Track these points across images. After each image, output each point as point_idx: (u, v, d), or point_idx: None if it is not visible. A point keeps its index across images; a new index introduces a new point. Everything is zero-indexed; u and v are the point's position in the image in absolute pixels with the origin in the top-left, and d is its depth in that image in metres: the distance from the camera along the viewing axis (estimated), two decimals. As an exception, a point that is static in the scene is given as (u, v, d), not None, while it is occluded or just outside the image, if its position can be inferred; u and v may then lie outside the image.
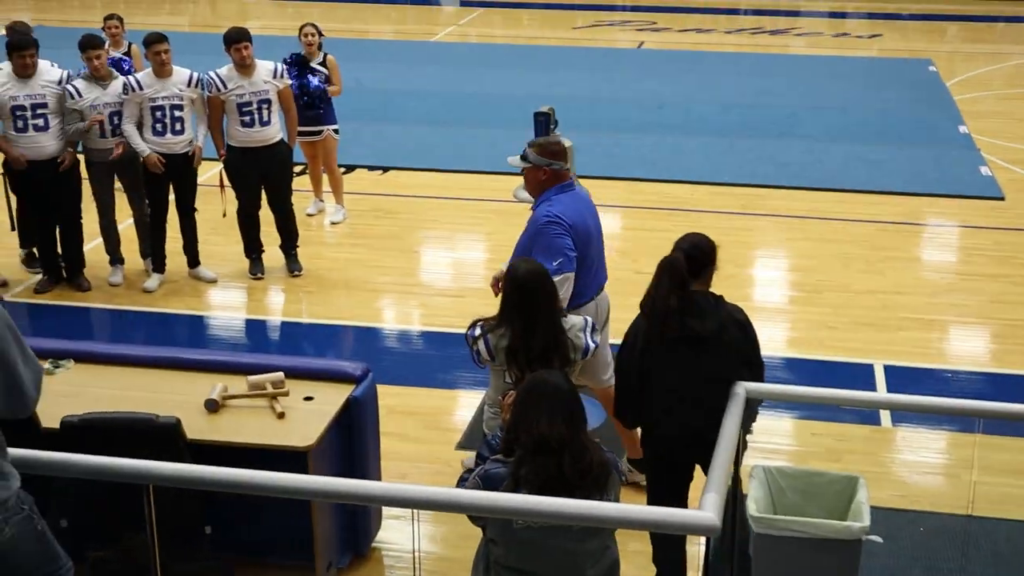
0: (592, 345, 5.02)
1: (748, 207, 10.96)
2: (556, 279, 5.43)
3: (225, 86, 8.70)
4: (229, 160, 8.95)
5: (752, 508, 4.72)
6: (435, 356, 8.10)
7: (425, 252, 10.18)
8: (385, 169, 12.07)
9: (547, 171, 5.80)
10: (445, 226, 10.65)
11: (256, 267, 9.22)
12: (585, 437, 3.97)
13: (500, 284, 5.40)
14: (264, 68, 8.88)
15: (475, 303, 8.77)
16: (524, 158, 5.86)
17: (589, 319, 5.12)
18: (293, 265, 9.24)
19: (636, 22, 21.68)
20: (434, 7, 24.16)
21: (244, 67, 8.73)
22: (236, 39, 8.71)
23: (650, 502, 5.19)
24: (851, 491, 4.88)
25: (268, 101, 8.81)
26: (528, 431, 3.91)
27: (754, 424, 5.06)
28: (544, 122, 6.44)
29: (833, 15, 22.72)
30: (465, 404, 7.28)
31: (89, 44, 8.64)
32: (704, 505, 3.72)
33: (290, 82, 9.13)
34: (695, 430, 4.68)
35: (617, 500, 4.04)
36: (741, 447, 5.07)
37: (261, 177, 8.98)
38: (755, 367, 4.96)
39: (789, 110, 14.66)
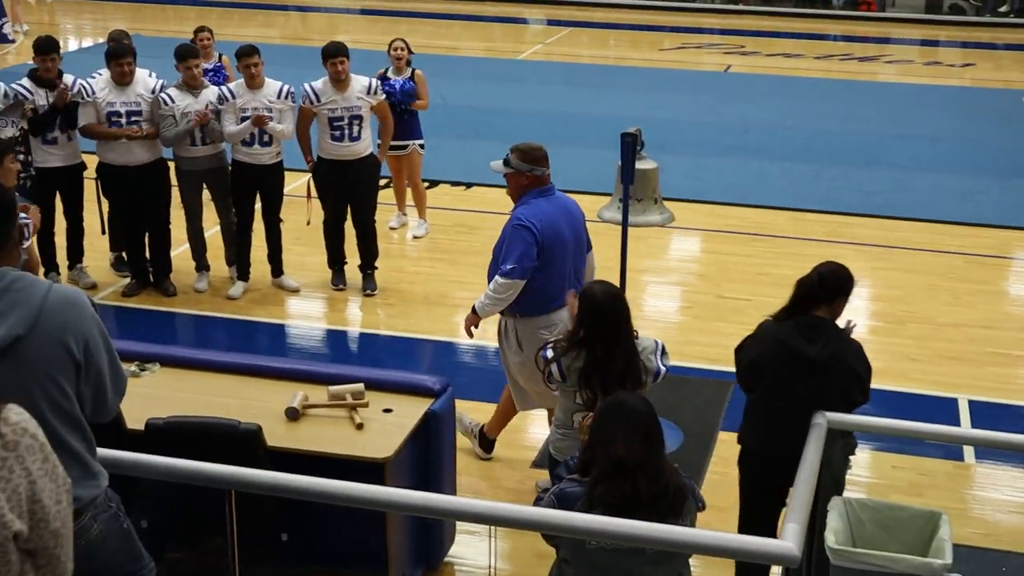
0: (663, 368, 5.03)
1: (833, 235, 10.84)
2: (502, 281, 5.86)
3: (318, 99, 8.80)
4: (317, 171, 9.05)
5: (831, 540, 4.65)
6: (512, 373, 8.10)
7: (505, 269, 10.18)
8: (468, 185, 12.13)
9: (528, 176, 6.01)
10: (526, 244, 10.65)
11: (338, 278, 9.30)
12: (662, 460, 3.95)
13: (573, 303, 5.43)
14: (358, 84, 8.93)
15: (553, 322, 8.78)
16: (507, 163, 6.05)
17: (660, 342, 5.11)
18: (368, 284, 9.27)
19: (724, 45, 21.57)
20: (521, 25, 24.25)
21: (339, 82, 8.81)
22: (333, 53, 8.80)
23: (741, 525, 5.17)
24: (933, 527, 4.79)
25: (359, 117, 8.86)
26: (605, 452, 3.90)
27: (851, 456, 5.02)
28: (631, 143, 6.42)
29: (925, 43, 22.41)
30: (541, 423, 7.25)
31: (187, 54, 8.80)
32: (784, 535, 3.68)
33: (383, 98, 9.15)
34: (792, 455, 4.61)
35: (692, 526, 4.01)
36: (842, 481, 5.03)
37: (347, 190, 9.04)
38: (858, 403, 4.93)
39: (877, 138, 14.48)
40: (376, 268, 9.33)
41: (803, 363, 4.88)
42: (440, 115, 12.06)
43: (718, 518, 5.64)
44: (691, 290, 9.56)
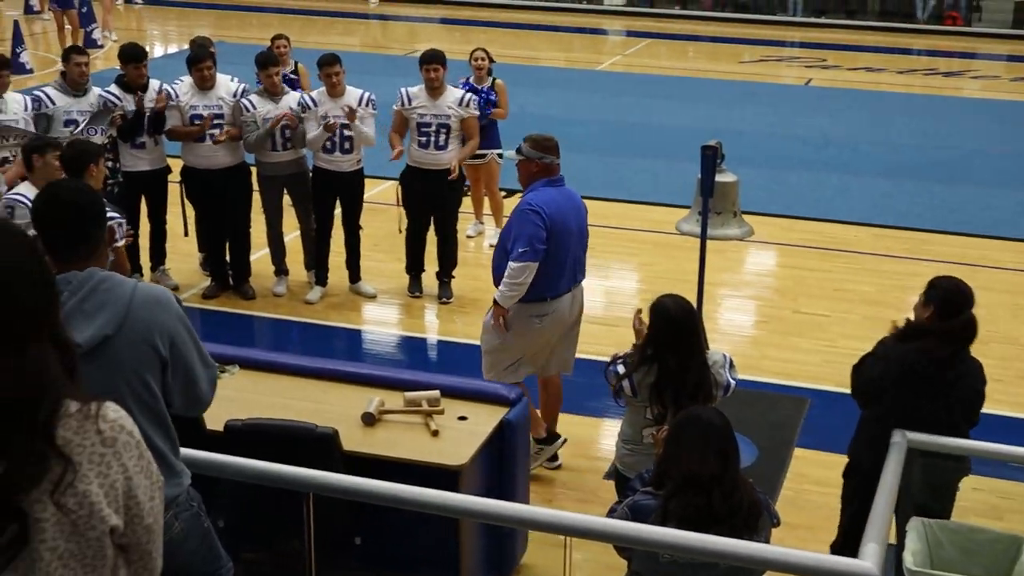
0: (733, 382, 5.01)
1: (913, 252, 10.69)
2: (515, 265, 5.99)
3: (410, 102, 8.90)
4: (403, 177, 9.10)
5: (909, 561, 4.59)
6: (585, 384, 8.08)
7: (580, 279, 10.19)
8: (545, 195, 12.14)
9: (539, 164, 6.24)
10: (601, 255, 10.63)
11: (415, 285, 9.36)
12: (737, 475, 3.93)
13: (639, 320, 5.43)
14: (452, 94, 9.01)
15: (627, 333, 8.67)
16: (519, 151, 6.29)
17: (727, 355, 5.09)
18: (444, 292, 9.32)
19: (805, 59, 21.40)
20: (601, 36, 24.26)
21: (432, 89, 8.90)
22: (428, 60, 8.91)
23: (838, 539, 5.13)
24: (1015, 552, 4.70)
25: (448, 127, 8.89)
26: (679, 465, 3.89)
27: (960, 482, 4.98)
28: (711, 156, 6.39)
29: (1012, 58, 22.04)
30: (614, 433, 7.19)
31: (267, 61, 8.92)
32: (863, 554, 3.64)
33: (476, 112, 9.16)
34: None
35: (767, 542, 3.98)
36: (948, 507, 4.97)
37: (431, 199, 9.08)
38: (968, 425, 4.87)
39: (959, 153, 14.26)
40: (453, 277, 9.38)
41: (926, 383, 4.82)
42: (518, 125, 12.04)
43: (792, 535, 5.59)
44: (767, 305, 9.48)
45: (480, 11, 25.67)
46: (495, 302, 6.33)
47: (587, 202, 11.65)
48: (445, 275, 9.34)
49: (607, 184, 12.58)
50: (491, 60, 10.22)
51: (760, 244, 10.41)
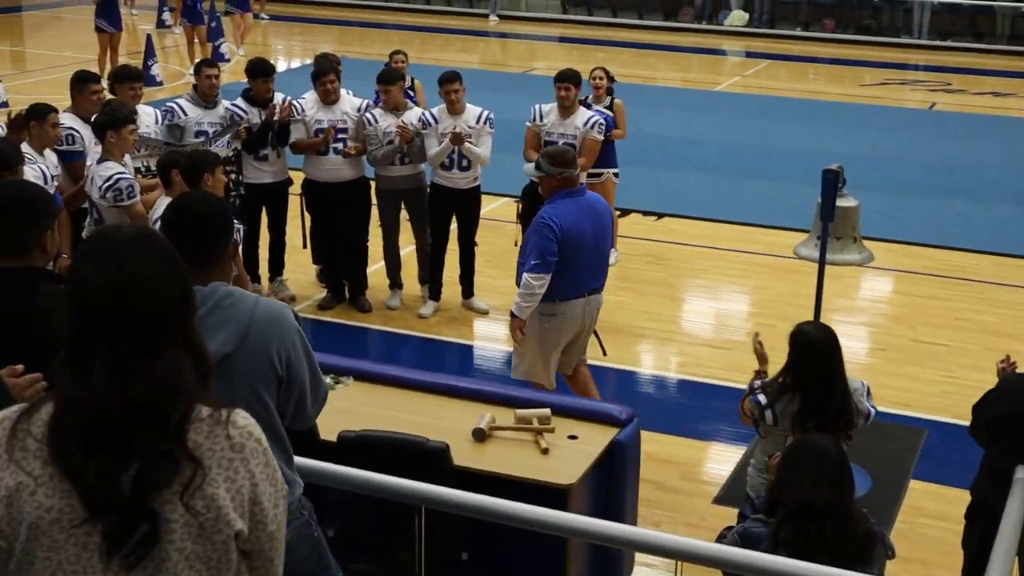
0: (872, 410, 4.93)
1: (1038, 282, 10.41)
2: (528, 277, 6.45)
3: (542, 119, 8.97)
4: (526, 193, 9.05)
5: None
6: (696, 406, 8.05)
7: (692, 301, 10.15)
8: (660, 215, 12.11)
9: (558, 178, 6.56)
10: (715, 276, 10.58)
11: None
12: (851, 505, 3.87)
13: (759, 343, 5.38)
14: (582, 115, 9.05)
15: (739, 356, 8.66)
16: (539, 167, 6.66)
17: (865, 383, 5.01)
18: None
19: (929, 82, 21.00)
20: (719, 56, 24.11)
21: (563, 108, 8.98)
22: (560, 79, 8.98)
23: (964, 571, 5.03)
24: None
25: (573, 146, 8.86)
26: (792, 493, 3.84)
27: None
28: (832, 180, 6.31)
29: None
30: (724, 458, 7.19)
31: (389, 77, 9.04)
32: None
33: (600, 138, 9.14)
34: None
35: (881, 575, 3.91)
36: None
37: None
38: None
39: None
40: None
41: None
42: (635, 144, 12.08)
43: (905, 569, 5.48)
44: (885, 332, 9.31)
45: (599, 30, 25.70)
46: (512, 314, 6.68)
47: (702, 224, 11.77)
48: None
49: (723, 206, 12.49)
50: (610, 79, 10.21)
51: (878, 270, 10.22)
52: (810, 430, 4.68)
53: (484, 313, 9.36)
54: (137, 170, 7.87)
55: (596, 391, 7.15)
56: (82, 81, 8.14)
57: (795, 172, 13.40)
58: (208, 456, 2.25)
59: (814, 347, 4.81)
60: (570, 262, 6.50)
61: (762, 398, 4.91)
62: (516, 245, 9.25)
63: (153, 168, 7.61)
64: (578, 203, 6.57)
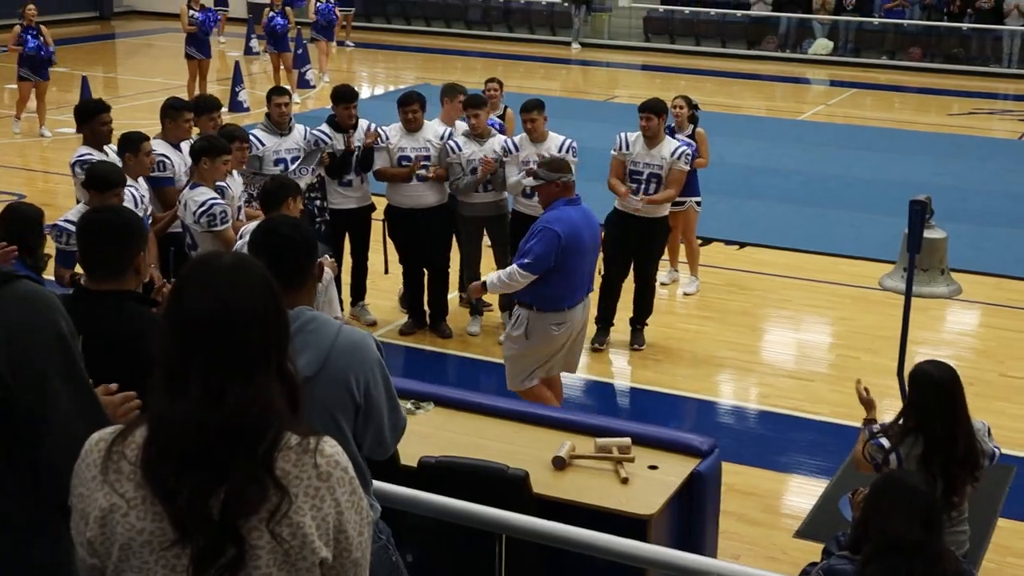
0: (996, 451, 4.81)
1: None
2: (517, 271, 6.75)
3: (627, 147, 8.95)
4: (608, 222, 9.05)
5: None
6: (777, 438, 7.96)
7: (774, 331, 10.05)
8: (742, 244, 12.01)
9: (558, 184, 6.83)
10: (797, 307, 10.47)
11: (602, 337, 9.24)
12: (941, 544, 3.80)
13: (866, 389, 5.27)
14: (669, 144, 8.96)
15: (821, 388, 8.58)
16: (536, 176, 7.01)
17: (986, 423, 4.90)
18: (636, 339, 9.25)
19: (1018, 112, 20.65)
20: (803, 85, 23.93)
21: (647, 137, 8.92)
22: (643, 108, 8.93)
23: None
24: None
25: (658, 176, 8.85)
26: (880, 529, 3.78)
27: None
28: (920, 211, 6.23)
29: None
30: (806, 491, 7.09)
31: (472, 103, 9.10)
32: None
33: (686, 168, 9.03)
34: None
35: (969, 615, 3.83)
36: None
37: (635, 246, 9.03)
38: None
39: None
40: (646, 324, 9.33)
41: None
42: (717, 173, 12.01)
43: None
44: (971, 367, 9.11)
45: (681, 58, 25.66)
46: (484, 284, 7.23)
47: (785, 253, 11.66)
48: (639, 321, 9.29)
49: (807, 236, 12.36)
50: (692, 108, 10.15)
51: (964, 303, 10.04)
52: (936, 472, 4.57)
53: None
54: (250, 196, 8.03)
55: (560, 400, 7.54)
56: (175, 109, 8.31)
57: (881, 202, 13.23)
58: (295, 484, 2.27)
59: (937, 387, 4.69)
60: (574, 268, 6.80)
61: (885, 442, 4.78)
62: (599, 274, 9.22)
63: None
64: (578, 211, 6.89)
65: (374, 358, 3.65)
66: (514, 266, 6.86)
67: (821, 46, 25.54)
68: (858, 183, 14.77)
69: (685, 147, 9.09)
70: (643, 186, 8.90)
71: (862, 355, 9.18)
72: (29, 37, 15.88)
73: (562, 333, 6.99)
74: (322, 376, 3.52)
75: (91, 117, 7.87)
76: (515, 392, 7.13)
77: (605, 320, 9.26)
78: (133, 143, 7.45)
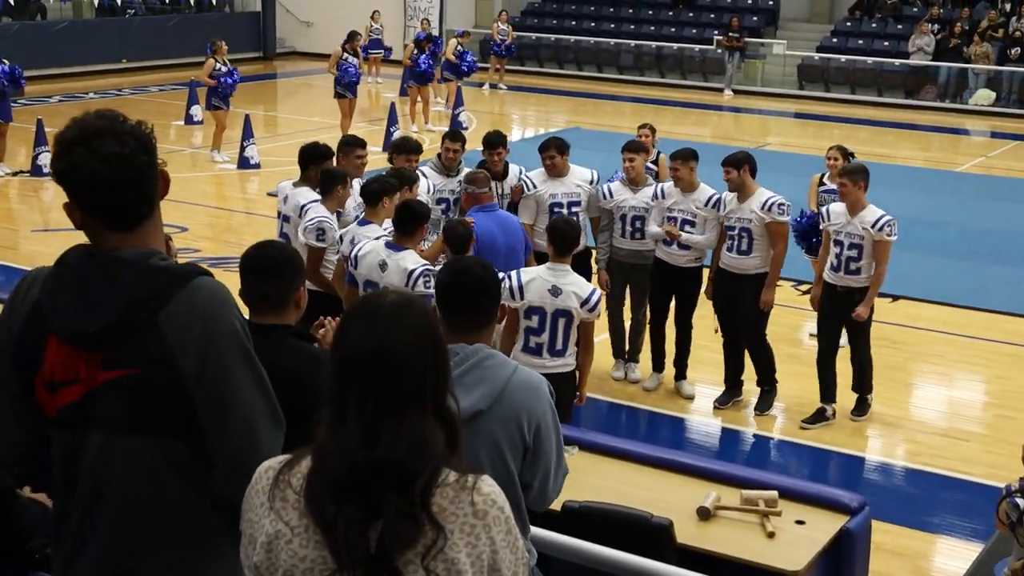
0: None
1: None
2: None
3: (724, 206, 8.63)
4: (711, 278, 8.89)
5: None
6: (927, 497, 7.75)
7: (927, 387, 9.80)
8: (895, 297, 11.73)
9: (466, 193, 8.18)
10: (952, 363, 10.19)
11: (730, 395, 9.04)
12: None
13: None
14: (758, 198, 8.45)
15: (975, 448, 8.33)
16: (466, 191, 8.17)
17: None
18: (764, 403, 8.93)
19: None
20: (962, 136, 23.36)
21: (735, 189, 8.51)
22: (724, 162, 8.51)
23: None
24: None
25: (749, 231, 8.46)
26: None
27: None
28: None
29: None
30: (958, 554, 6.87)
31: (629, 148, 9.03)
32: None
33: (783, 219, 8.46)
34: None
35: None
36: None
37: (729, 302, 8.73)
38: None
39: None
40: (776, 382, 8.95)
41: None
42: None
43: None
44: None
45: (835, 106, 25.32)
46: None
47: (939, 308, 11.35)
48: (766, 383, 8.89)
49: (963, 290, 12.03)
50: (847, 157, 9.95)
51: None
52: None
53: (690, 399, 9.11)
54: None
55: None
56: (349, 145, 8.68)
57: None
58: (451, 520, 2.31)
59: None
60: None
61: (1020, 501, 4.65)
62: (716, 333, 9.02)
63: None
64: (491, 217, 7.88)
65: (547, 401, 3.67)
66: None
67: (983, 96, 24.93)
68: (1018, 237, 14.34)
69: (774, 199, 8.40)
70: (735, 241, 8.52)
71: (1019, 415, 8.88)
72: (223, 68, 17.05)
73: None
74: (494, 411, 3.54)
75: (324, 159, 8.24)
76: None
77: (735, 378, 9.01)
78: (340, 178, 7.92)
